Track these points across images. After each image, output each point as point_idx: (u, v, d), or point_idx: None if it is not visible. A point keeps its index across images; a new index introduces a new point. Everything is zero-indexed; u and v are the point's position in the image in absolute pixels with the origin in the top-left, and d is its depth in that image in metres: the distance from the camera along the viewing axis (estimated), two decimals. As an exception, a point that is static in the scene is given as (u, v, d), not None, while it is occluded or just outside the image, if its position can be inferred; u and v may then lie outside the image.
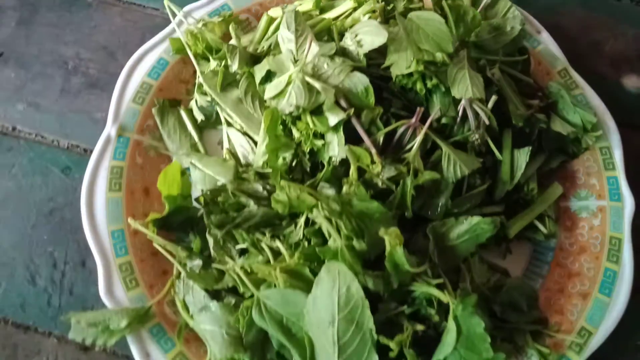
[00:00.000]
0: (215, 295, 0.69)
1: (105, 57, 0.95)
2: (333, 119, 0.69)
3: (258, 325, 0.66)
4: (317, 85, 0.70)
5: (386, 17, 0.79)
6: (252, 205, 0.71)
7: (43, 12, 0.99)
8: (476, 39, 0.78)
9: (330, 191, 0.69)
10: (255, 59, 0.82)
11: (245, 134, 0.80)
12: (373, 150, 0.70)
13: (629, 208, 0.79)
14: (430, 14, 0.75)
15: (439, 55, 0.71)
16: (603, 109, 0.85)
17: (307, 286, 0.64)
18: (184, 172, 0.75)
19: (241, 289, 0.69)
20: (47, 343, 0.76)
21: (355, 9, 0.82)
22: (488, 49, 0.79)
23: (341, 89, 0.71)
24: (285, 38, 0.76)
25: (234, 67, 0.80)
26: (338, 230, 0.65)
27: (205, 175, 0.78)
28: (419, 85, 0.71)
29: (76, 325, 0.68)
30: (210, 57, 0.84)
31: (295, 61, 0.74)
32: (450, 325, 0.63)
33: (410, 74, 0.71)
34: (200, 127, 0.85)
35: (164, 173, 0.73)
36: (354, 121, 0.70)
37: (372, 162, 0.70)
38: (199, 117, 0.84)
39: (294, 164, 0.75)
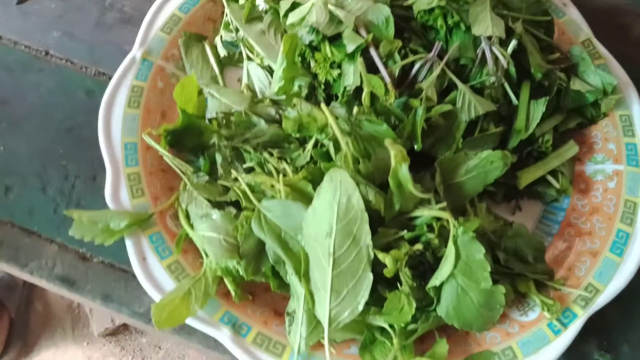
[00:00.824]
0: (217, 205, 0.70)
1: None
2: (351, 45, 0.70)
3: (256, 237, 0.65)
4: (338, 12, 0.71)
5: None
6: (262, 124, 0.72)
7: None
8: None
9: (341, 111, 0.69)
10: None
11: (264, 67, 0.82)
12: (388, 80, 0.70)
13: (647, 175, 0.76)
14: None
15: (462, -8, 0.71)
16: (625, 79, 0.83)
17: (308, 202, 0.64)
18: (201, 92, 0.76)
19: (244, 203, 0.69)
20: (48, 249, 0.76)
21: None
22: (512, 5, 0.79)
23: (362, 19, 0.72)
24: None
25: (262, 6, 0.83)
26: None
27: (221, 104, 0.79)
28: (439, 22, 0.71)
29: (77, 222, 0.69)
30: (238, -3, 0.87)
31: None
32: (449, 248, 0.61)
33: (432, 10, 0.72)
34: (222, 64, 0.87)
35: (180, 84, 0.74)
36: (372, 51, 0.71)
37: (387, 92, 0.70)
38: (222, 52, 0.86)
39: (308, 95, 0.76)
